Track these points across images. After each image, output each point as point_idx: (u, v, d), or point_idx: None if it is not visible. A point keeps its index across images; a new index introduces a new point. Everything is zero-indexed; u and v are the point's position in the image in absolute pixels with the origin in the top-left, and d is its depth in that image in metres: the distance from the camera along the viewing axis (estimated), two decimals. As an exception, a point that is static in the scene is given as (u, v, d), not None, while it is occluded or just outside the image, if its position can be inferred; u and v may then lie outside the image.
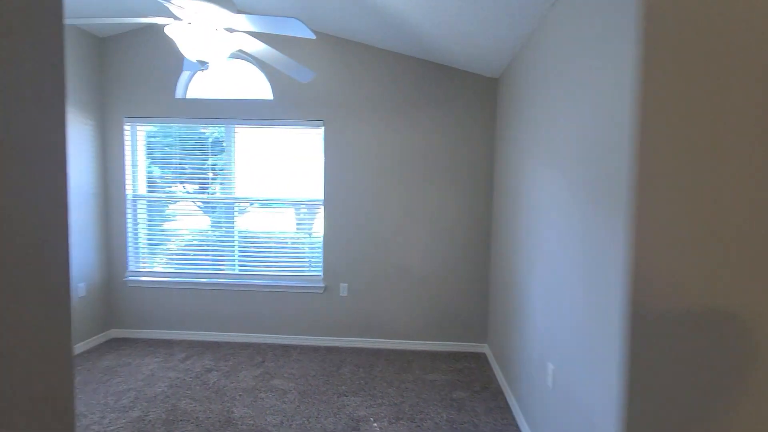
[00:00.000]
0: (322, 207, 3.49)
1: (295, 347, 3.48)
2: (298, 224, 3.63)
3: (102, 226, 3.58)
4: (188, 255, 3.67)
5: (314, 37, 1.75)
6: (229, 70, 3.62)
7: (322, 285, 3.50)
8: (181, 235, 3.71)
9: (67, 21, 1.75)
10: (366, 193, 3.45)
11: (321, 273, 3.53)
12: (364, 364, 3.19)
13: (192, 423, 2.32)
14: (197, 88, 3.64)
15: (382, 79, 3.40)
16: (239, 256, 3.62)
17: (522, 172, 2.56)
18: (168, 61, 3.49)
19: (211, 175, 3.62)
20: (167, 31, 1.79)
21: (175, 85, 3.53)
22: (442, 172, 3.42)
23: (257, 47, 2.04)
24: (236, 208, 3.60)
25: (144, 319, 3.66)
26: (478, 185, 3.43)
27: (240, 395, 2.65)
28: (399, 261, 3.48)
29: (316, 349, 3.44)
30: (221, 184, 3.61)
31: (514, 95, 2.81)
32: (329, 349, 3.45)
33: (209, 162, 3.60)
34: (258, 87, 3.57)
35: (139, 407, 2.48)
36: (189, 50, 1.82)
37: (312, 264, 3.57)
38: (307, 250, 3.58)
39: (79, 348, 3.31)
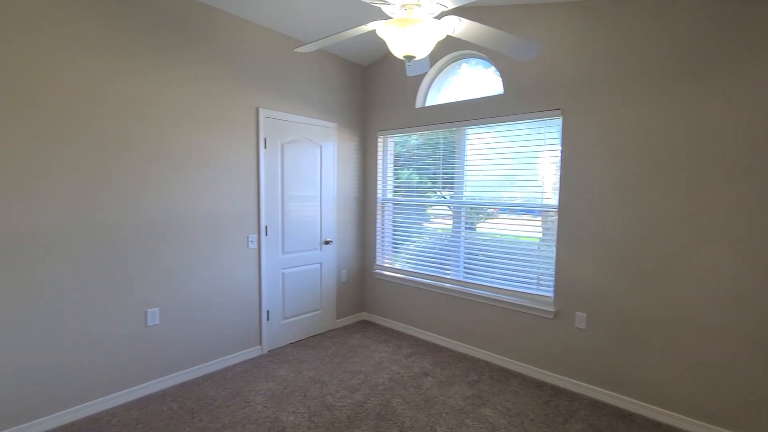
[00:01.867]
0: (556, 215, 2.87)
1: (515, 375, 3.04)
2: (527, 234, 3.14)
3: (360, 225, 4.28)
4: (421, 256, 3.87)
5: None
6: (464, 73, 3.54)
7: (552, 309, 2.88)
8: (418, 236, 3.94)
9: (303, 48, 2.06)
10: (620, 198, 2.58)
11: (551, 295, 2.92)
12: (604, 427, 2.39)
13: (397, 427, 2.36)
14: (436, 95, 3.76)
15: (643, 41, 2.43)
16: (464, 262, 3.50)
17: None
18: (411, 77, 3.76)
19: (442, 179, 3.66)
20: (378, 33, 1.81)
21: (416, 96, 3.76)
22: (756, 163, 2.11)
23: (465, 27, 1.79)
24: (463, 213, 3.49)
25: (384, 309, 4.13)
26: None
27: (446, 413, 2.51)
28: (673, 299, 2.41)
29: (540, 385, 2.88)
30: (451, 187, 3.58)
31: None
32: (557, 391, 2.81)
33: (441, 166, 3.65)
34: (490, 84, 3.32)
35: (362, 392, 2.75)
36: (396, 47, 1.76)
37: (541, 282, 3.01)
38: (537, 264, 3.04)
39: (340, 323, 4.08)
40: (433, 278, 3.68)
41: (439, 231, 3.74)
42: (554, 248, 2.89)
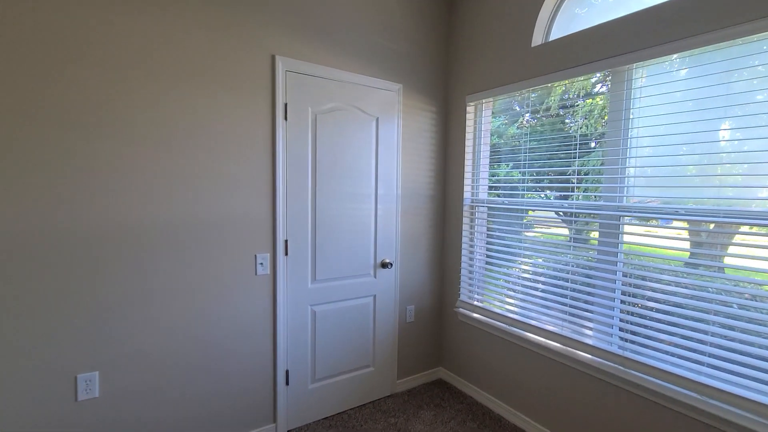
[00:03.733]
0: None
1: None
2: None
3: (437, 239, 2.88)
4: (533, 296, 2.31)
5: None
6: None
7: None
8: (528, 262, 2.38)
9: None
10: None
11: None
12: None
13: None
14: (568, 23, 2.18)
15: None
16: (620, 319, 1.86)
17: None
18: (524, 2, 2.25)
19: (577, 165, 2.07)
20: None
21: (532, 28, 2.23)
22: None
23: None
24: (622, 229, 1.87)
25: (471, 369, 2.67)
26: None
27: None
28: None
29: None
30: (594, 183, 1.98)
31: None
32: None
33: (576, 143, 2.06)
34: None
35: None
36: None
37: None
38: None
39: (402, 385, 2.74)
40: (557, 338, 2.11)
41: (568, 258, 2.14)
42: None
